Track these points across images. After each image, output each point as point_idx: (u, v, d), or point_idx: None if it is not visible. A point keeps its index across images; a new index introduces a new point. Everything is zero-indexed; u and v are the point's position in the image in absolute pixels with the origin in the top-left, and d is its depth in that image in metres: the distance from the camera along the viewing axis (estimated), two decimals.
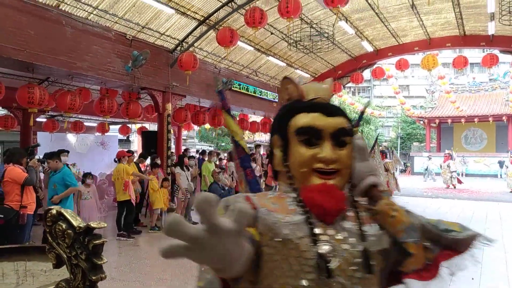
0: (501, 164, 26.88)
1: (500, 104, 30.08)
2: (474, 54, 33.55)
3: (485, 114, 29.50)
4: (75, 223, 1.62)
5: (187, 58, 9.62)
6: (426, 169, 26.11)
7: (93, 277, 1.60)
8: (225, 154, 16.30)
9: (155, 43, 10.16)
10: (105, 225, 1.79)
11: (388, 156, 12.93)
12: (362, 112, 4.82)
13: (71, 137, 14.50)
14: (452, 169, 19.56)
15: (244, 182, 1.89)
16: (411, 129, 43.83)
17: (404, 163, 38.16)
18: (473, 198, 15.24)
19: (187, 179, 9.04)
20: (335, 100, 37.95)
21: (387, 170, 11.31)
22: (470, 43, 14.22)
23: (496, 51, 14.11)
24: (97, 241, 1.59)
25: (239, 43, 10.59)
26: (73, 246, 1.62)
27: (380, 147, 13.99)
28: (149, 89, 10.00)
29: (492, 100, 31.35)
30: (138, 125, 17.61)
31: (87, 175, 7.97)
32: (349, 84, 17.08)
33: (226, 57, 11.71)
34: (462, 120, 30.14)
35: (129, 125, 16.53)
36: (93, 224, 1.61)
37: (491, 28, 12.11)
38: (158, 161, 9.47)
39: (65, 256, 1.65)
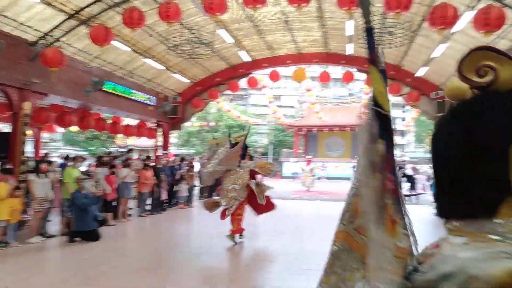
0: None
1: (356, 116, 34.47)
2: (337, 71, 37.53)
3: (343, 124, 33.48)
4: None
5: (52, 53, 8.61)
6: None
7: None
8: (94, 159, 15.05)
9: (12, 33, 8.83)
10: None
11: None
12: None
13: None
14: (314, 173, 21.33)
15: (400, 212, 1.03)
16: (282, 136, 47.02)
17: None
18: (333, 199, 17.00)
19: (44, 187, 8.02)
20: (212, 107, 38.35)
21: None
22: (333, 61, 15.94)
23: (353, 69, 16.10)
24: None
25: (114, 42, 9.92)
26: None
27: (253, 152, 14.62)
28: (2, 84, 8.64)
29: (349, 112, 35.71)
30: None
31: None
32: (227, 92, 17.47)
33: (99, 55, 10.85)
34: (325, 129, 33.63)
35: None
36: None
37: (350, 49, 13.75)
38: (9, 167, 8.21)
39: None
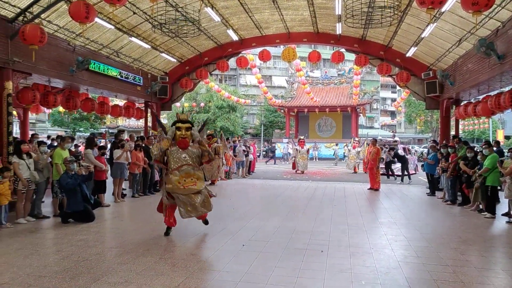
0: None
1: (345, 97, 34.45)
2: (326, 51, 37.19)
3: (334, 105, 33.41)
4: None
5: (32, 30, 8.34)
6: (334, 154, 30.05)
7: None
8: (82, 140, 14.88)
9: None
10: None
11: (218, 141, 13.79)
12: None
13: None
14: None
15: None
16: (273, 117, 46.88)
17: (269, 149, 40.81)
18: (324, 180, 17.14)
19: (29, 168, 7.93)
20: (202, 87, 38.01)
21: (217, 153, 12.01)
22: (323, 40, 15.75)
23: (343, 50, 15.96)
24: None
25: (97, 19, 9.68)
26: None
27: (209, 131, 15.24)
28: None
29: (339, 93, 35.64)
30: None
31: None
32: (216, 72, 17.26)
33: (82, 33, 10.59)
34: (316, 110, 33.53)
35: None
36: None
37: (339, 29, 13.59)
38: None
39: None
